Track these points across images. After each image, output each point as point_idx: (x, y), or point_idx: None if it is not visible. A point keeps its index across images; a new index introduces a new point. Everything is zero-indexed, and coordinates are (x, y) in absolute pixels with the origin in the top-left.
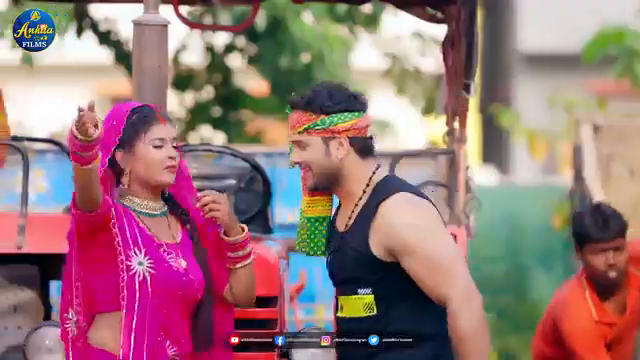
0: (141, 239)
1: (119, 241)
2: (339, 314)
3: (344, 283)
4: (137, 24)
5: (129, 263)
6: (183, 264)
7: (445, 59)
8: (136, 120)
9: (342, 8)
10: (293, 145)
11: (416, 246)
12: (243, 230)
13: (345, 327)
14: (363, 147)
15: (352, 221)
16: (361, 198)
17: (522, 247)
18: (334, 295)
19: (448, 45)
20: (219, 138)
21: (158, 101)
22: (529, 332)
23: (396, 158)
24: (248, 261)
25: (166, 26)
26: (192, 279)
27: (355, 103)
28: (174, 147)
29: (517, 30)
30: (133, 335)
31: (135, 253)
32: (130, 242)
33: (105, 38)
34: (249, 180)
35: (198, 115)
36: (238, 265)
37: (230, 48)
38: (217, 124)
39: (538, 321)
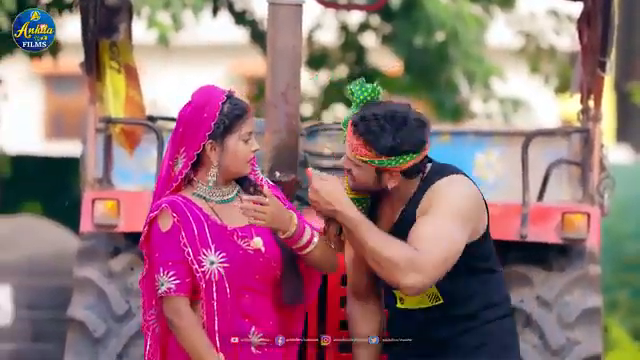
0: (211, 235)
1: (189, 251)
2: (400, 305)
3: None
4: (272, 3)
5: (202, 269)
6: (259, 243)
7: (580, 37)
8: (231, 114)
9: None
10: (348, 161)
11: (433, 210)
12: (292, 218)
13: (413, 318)
14: (413, 172)
15: (404, 210)
16: (414, 195)
17: None
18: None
19: (584, 22)
20: None
21: (292, 80)
22: None
23: (530, 137)
24: (309, 249)
25: (301, 5)
26: (268, 258)
27: (417, 142)
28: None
29: None
30: (216, 326)
31: (204, 254)
32: (199, 245)
33: (240, 18)
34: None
35: (332, 94)
36: (301, 253)
37: (364, 27)
38: (351, 103)
39: None
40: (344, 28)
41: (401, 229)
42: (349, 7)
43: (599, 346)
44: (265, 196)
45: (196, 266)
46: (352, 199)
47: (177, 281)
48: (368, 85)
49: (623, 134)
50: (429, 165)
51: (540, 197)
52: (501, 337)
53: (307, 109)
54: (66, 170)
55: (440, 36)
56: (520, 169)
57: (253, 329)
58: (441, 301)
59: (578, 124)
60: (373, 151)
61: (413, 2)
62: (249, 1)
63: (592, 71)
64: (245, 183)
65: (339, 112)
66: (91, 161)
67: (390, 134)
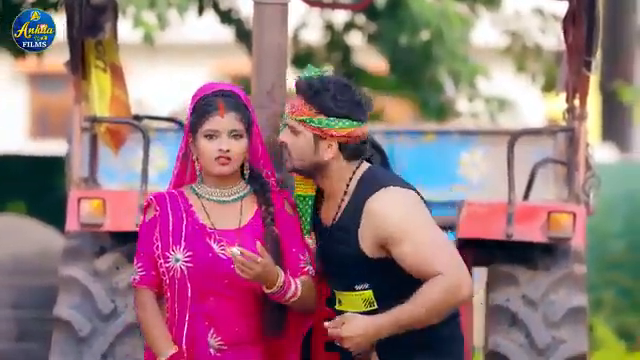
0: (186, 232)
1: (158, 245)
2: (338, 307)
3: (337, 277)
4: (257, 2)
5: (167, 264)
6: (235, 253)
7: (566, 36)
8: (198, 110)
9: None
10: (286, 128)
11: (403, 235)
12: (279, 278)
13: None
14: (352, 152)
15: (338, 217)
16: (346, 193)
17: None
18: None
19: (569, 22)
20: None
21: (278, 79)
22: None
23: (515, 136)
24: (290, 302)
25: (286, 4)
26: None
27: (357, 112)
28: (237, 137)
29: (638, 6)
30: (175, 323)
31: (173, 251)
32: (171, 240)
33: (226, 17)
34: (368, 159)
35: None
36: (285, 302)
37: (350, 26)
38: None
39: None
40: (329, 27)
41: (332, 239)
42: (334, 6)
43: (585, 345)
44: (261, 255)
45: (161, 260)
46: (297, 196)
47: (142, 272)
48: (315, 69)
49: (608, 133)
50: (364, 165)
51: (526, 196)
52: (436, 346)
53: None
54: (51, 169)
55: (425, 35)
56: (506, 168)
57: (212, 331)
58: (375, 307)
59: (564, 123)
60: (313, 109)
61: (398, 1)
62: (234, 0)
63: (577, 70)
64: (259, 186)
65: None
66: (76, 160)
67: (331, 94)
